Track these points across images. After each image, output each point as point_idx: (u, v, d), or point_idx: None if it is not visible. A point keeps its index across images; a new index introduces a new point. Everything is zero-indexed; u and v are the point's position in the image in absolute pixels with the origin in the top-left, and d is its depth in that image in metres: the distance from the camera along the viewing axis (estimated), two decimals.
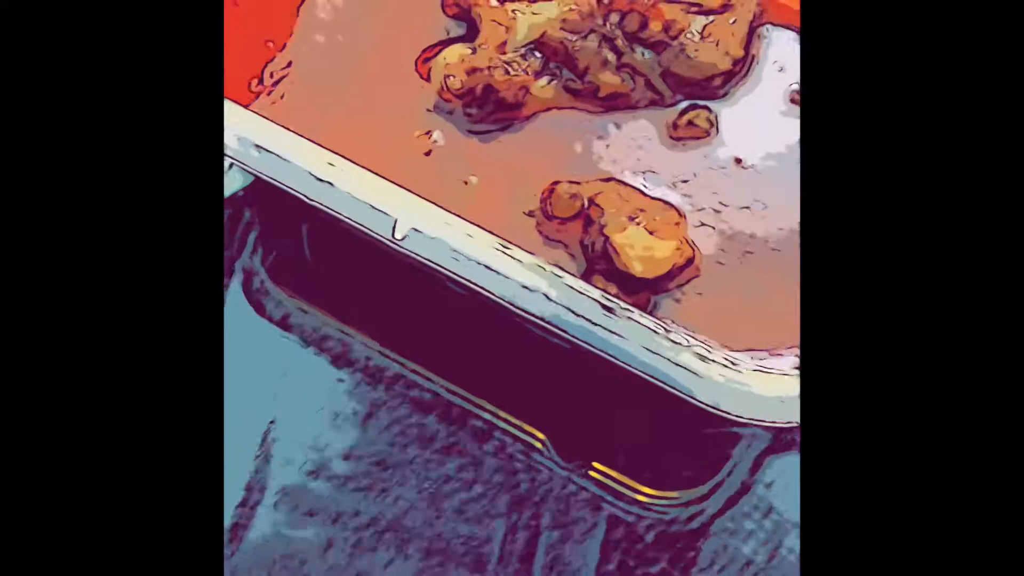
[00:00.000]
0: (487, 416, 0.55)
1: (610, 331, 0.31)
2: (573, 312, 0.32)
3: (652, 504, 0.54)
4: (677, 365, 0.31)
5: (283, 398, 0.56)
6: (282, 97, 0.37)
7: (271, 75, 0.37)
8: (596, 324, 0.31)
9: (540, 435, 0.55)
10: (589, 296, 0.32)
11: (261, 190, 0.57)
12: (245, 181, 0.58)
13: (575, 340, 0.32)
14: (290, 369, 0.56)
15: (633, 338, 0.31)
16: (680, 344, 0.30)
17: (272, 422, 0.55)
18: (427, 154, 0.36)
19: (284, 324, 0.56)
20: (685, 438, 0.54)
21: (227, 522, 0.53)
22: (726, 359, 0.31)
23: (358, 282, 0.57)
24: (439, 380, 0.55)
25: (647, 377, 0.31)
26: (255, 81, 0.37)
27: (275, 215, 0.57)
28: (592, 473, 0.54)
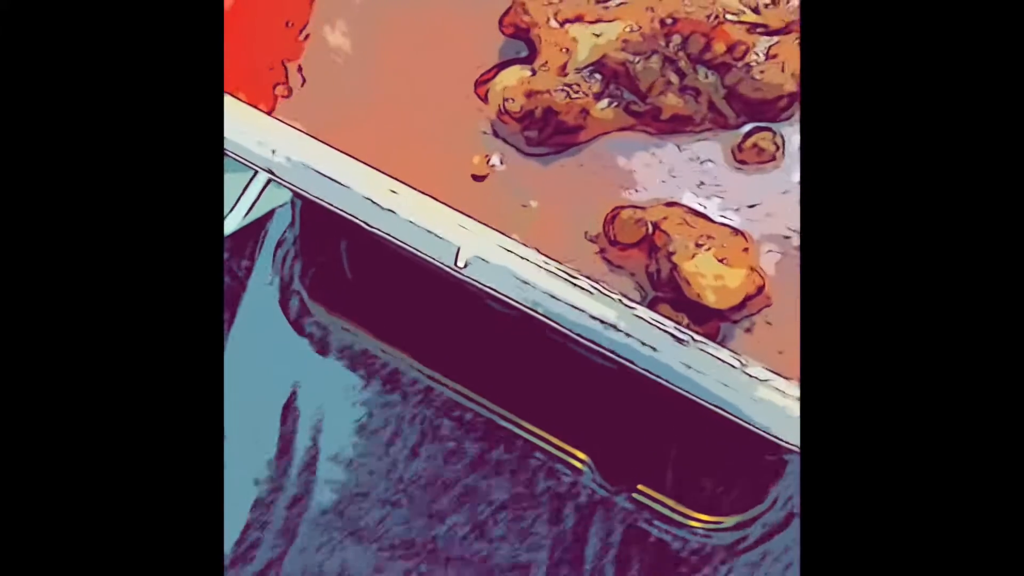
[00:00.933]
0: (530, 438, 0.54)
1: (682, 363, 0.30)
2: (643, 343, 0.31)
3: (698, 529, 0.53)
4: (756, 400, 0.30)
5: (322, 415, 0.55)
6: (339, 120, 0.36)
7: (326, 94, 0.37)
8: (667, 356, 0.30)
9: (583, 456, 0.54)
10: (661, 327, 0.31)
11: (303, 208, 0.56)
12: (285, 198, 0.57)
13: (648, 374, 0.31)
14: (329, 387, 0.55)
15: (708, 372, 0.30)
16: (757, 379, 0.29)
17: (313, 436, 0.54)
18: (484, 178, 0.35)
19: (324, 342, 0.56)
20: (733, 463, 0.53)
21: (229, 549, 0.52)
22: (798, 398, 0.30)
23: (399, 300, 0.57)
24: (485, 402, 0.54)
25: (722, 412, 0.30)
26: (308, 101, 0.37)
27: (315, 232, 0.56)
28: (636, 496, 0.53)
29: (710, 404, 0.30)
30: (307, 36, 0.38)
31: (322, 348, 0.57)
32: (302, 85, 0.37)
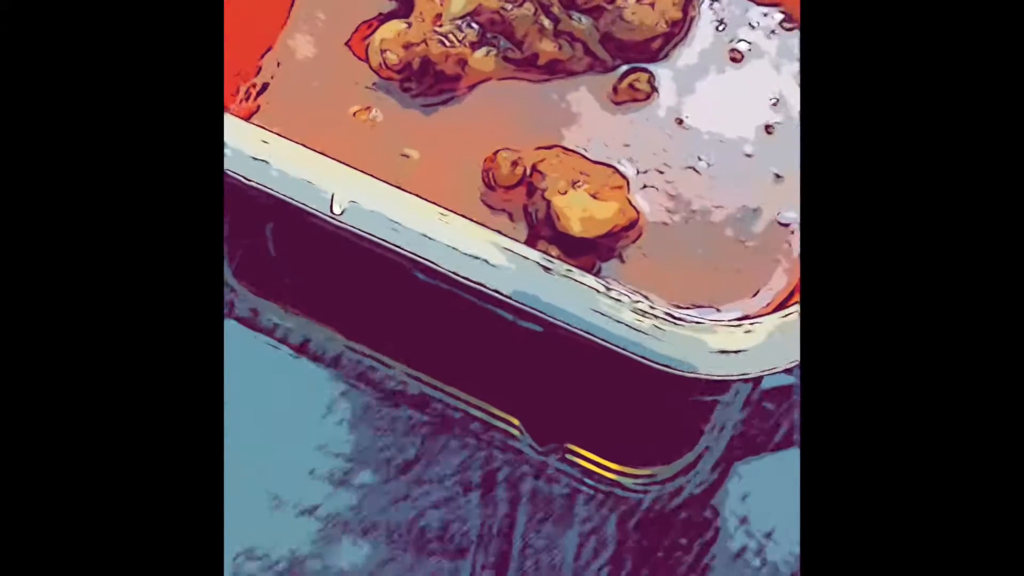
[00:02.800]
0: (460, 404, 0.54)
1: (551, 292, 0.31)
2: (516, 276, 0.31)
3: (633, 484, 0.54)
4: (621, 323, 0.30)
5: (251, 396, 0.55)
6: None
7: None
8: (536, 286, 0.31)
9: (515, 420, 0.54)
10: (528, 258, 0.31)
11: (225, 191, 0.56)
12: None
13: (517, 304, 0.31)
14: (255, 366, 0.55)
15: (575, 298, 0.30)
16: (621, 301, 0.30)
17: (244, 417, 0.54)
18: (368, 131, 0.36)
19: (251, 322, 0.56)
20: (657, 412, 0.53)
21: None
22: (669, 315, 0.30)
23: (323, 276, 0.57)
24: (409, 370, 0.54)
25: (593, 339, 0.31)
26: None
27: (239, 213, 0.57)
28: (568, 456, 0.54)
29: (578, 330, 0.30)
30: None
31: (250, 328, 0.57)
32: None
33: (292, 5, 0.38)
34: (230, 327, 0.57)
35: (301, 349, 0.56)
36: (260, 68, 0.37)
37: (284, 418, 0.55)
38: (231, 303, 0.57)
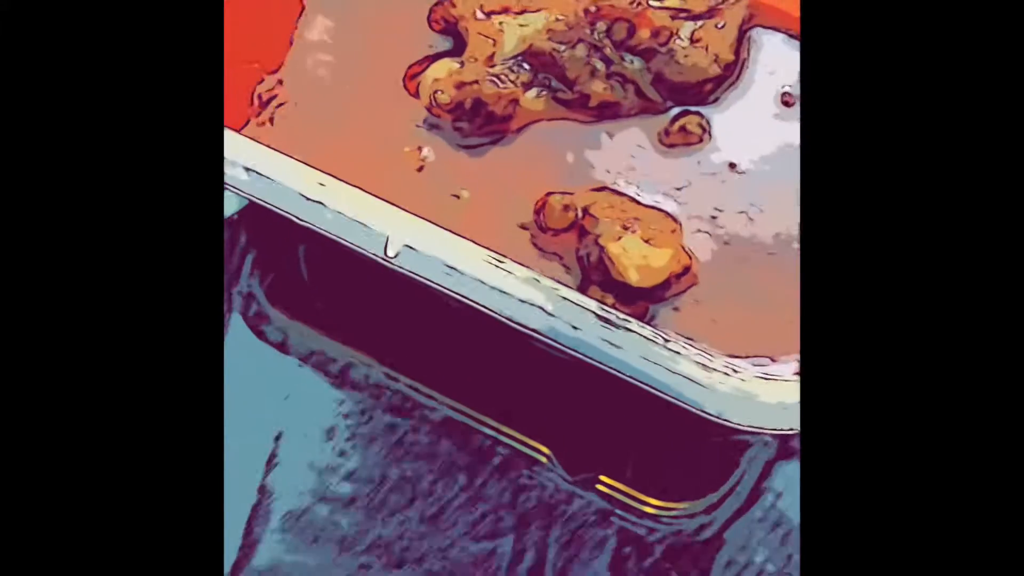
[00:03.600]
0: (491, 432, 0.54)
1: (608, 342, 0.31)
2: (571, 324, 0.31)
3: (660, 516, 0.54)
4: (676, 374, 0.30)
5: (285, 421, 0.55)
6: (271, 120, 0.36)
7: (260, 97, 0.37)
8: (593, 335, 0.31)
9: (545, 450, 0.54)
10: (586, 308, 0.31)
11: (256, 213, 0.57)
12: (240, 204, 0.58)
13: (574, 353, 0.31)
14: (292, 392, 0.55)
15: (631, 349, 0.30)
16: (679, 353, 0.30)
17: (277, 440, 0.54)
18: (419, 170, 0.36)
19: (283, 347, 0.56)
20: (691, 448, 0.53)
21: (228, 552, 0.53)
22: (727, 366, 0.30)
23: (357, 302, 0.57)
24: (442, 398, 0.54)
25: (648, 388, 0.30)
26: (246, 104, 0.37)
27: (271, 238, 0.57)
28: (599, 487, 0.54)
29: (634, 380, 0.30)
30: (238, 38, 0.38)
31: (282, 352, 0.57)
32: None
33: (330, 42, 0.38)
34: (261, 350, 0.57)
35: (332, 373, 0.56)
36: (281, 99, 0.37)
37: (308, 443, 0.55)
38: (260, 328, 0.57)
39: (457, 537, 0.54)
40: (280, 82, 0.37)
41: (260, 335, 0.57)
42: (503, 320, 0.32)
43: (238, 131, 0.36)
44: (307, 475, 0.54)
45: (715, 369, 0.30)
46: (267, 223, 0.57)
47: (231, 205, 0.58)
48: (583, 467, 0.54)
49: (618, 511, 0.53)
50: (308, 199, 0.33)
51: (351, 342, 0.55)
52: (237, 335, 0.57)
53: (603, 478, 0.54)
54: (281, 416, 0.56)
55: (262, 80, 0.37)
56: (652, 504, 0.54)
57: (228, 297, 0.59)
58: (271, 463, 0.55)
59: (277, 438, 0.55)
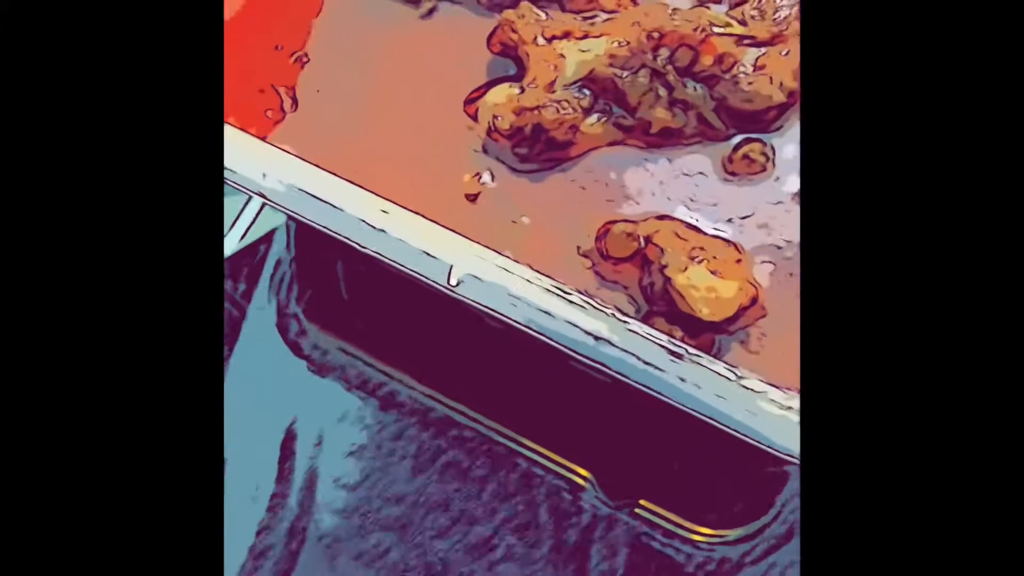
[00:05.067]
0: (531, 455, 0.54)
1: (679, 377, 0.30)
2: (639, 358, 0.31)
3: (701, 542, 0.53)
4: (751, 412, 0.29)
5: (321, 437, 0.55)
6: (331, 142, 0.36)
7: (318, 117, 0.37)
8: (664, 370, 0.30)
9: (585, 473, 0.54)
10: (655, 341, 0.31)
11: (298, 230, 0.56)
12: (280, 221, 0.57)
13: (643, 388, 0.31)
14: (328, 409, 0.55)
15: (704, 385, 0.30)
16: (754, 391, 0.29)
17: (313, 459, 0.54)
18: (477, 196, 0.35)
19: (322, 363, 0.55)
20: (735, 476, 0.53)
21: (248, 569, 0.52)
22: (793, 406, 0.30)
23: (396, 320, 0.57)
24: (482, 419, 0.54)
25: (721, 427, 0.30)
26: (300, 124, 0.37)
27: (310, 255, 0.56)
28: (639, 511, 0.53)
29: (707, 417, 0.30)
30: (297, 59, 0.38)
31: (320, 369, 0.57)
32: (293, 109, 0.37)
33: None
34: (295, 365, 0.56)
35: (369, 390, 0.55)
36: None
37: (342, 461, 0.55)
38: (298, 343, 0.57)
39: (495, 561, 0.53)
40: (339, 106, 0.37)
41: (297, 351, 0.56)
42: (570, 352, 0.32)
43: (289, 152, 0.35)
44: (341, 494, 0.54)
45: (788, 407, 0.29)
46: (307, 239, 0.56)
47: (272, 221, 0.58)
48: (623, 492, 0.53)
49: (658, 536, 0.53)
50: (371, 226, 0.33)
51: (390, 360, 0.55)
52: (272, 349, 0.57)
53: (643, 502, 0.53)
54: (317, 431, 0.55)
55: (315, 98, 0.37)
56: (693, 530, 0.53)
57: (254, 309, 0.59)
58: (307, 478, 0.54)
59: (312, 455, 0.54)
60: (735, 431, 0.30)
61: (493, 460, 0.56)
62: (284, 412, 0.58)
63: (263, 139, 0.36)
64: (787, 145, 0.36)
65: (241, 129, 0.36)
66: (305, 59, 0.38)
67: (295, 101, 0.37)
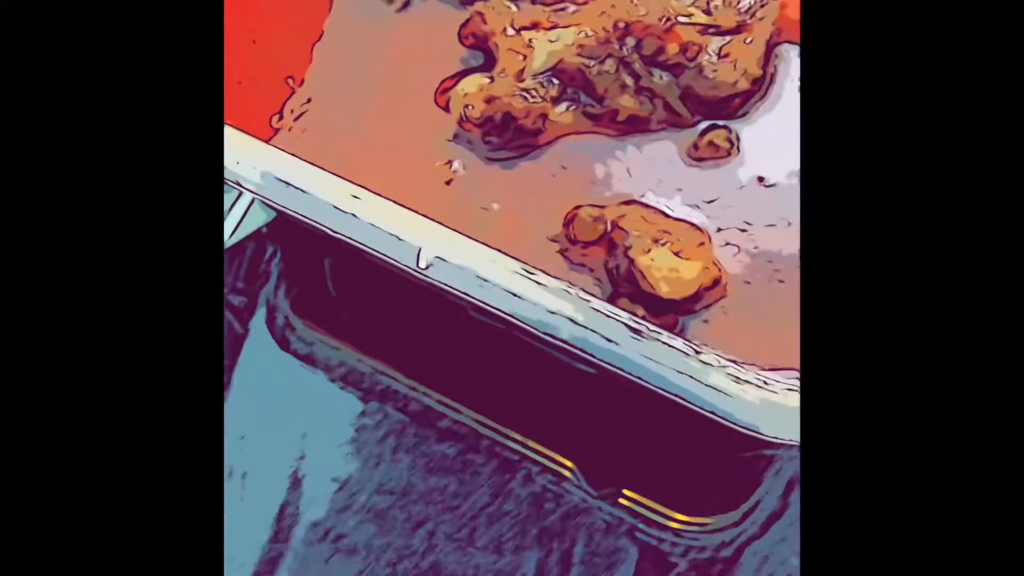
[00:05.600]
0: (515, 446, 0.54)
1: (639, 354, 0.31)
2: (601, 335, 0.32)
3: (684, 530, 0.54)
4: (708, 386, 0.30)
5: (309, 433, 0.56)
6: (304, 132, 0.37)
7: (292, 111, 0.38)
8: (625, 347, 0.31)
9: (569, 464, 0.54)
10: (617, 319, 0.31)
11: (285, 226, 0.57)
12: (268, 217, 0.58)
13: (604, 364, 0.31)
14: (316, 404, 0.56)
15: (663, 360, 0.31)
16: (711, 365, 0.30)
17: (300, 457, 0.55)
18: (448, 183, 0.36)
19: (309, 359, 0.56)
20: (716, 463, 0.53)
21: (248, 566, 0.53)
22: (759, 378, 0.30)
23: (382, 314, 0.57)
24: (466, 411, 0.54)
25: (679, 400, 0.31)
26: (276, 117, 0.38)
27: (298, 250, 0.57)
28: (622, 500, 0.54)
29: (665, 391, 0.30)
30: (274, 52, 0.39)
31: (307, 363, 0.58)
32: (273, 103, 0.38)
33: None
34: (285, 361, 0.57)
35: (357, 385, 0.56)
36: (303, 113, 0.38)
37: (331, 456, 0.56)
38: (286, 339, 0.58)
39: (480, 551, 0.54)
40: (311, 99, 0.38)
41: (285, 346, 0.57)
42: (534, 331, 0.32)
43: (269, 142, 0.36)
44: (330, 487, 0.54)
45: (746, 381, 0.30)
46: (294, 235, 0.57)
47: (261, 217, 0.59)
48: (607, 481, 0.54)
49: (641, 525, 0.53)
50: (341, 211, 0.34)
51: (376, 354, 0.56)
52: (262, 346, 0.57)
53: (627, 492, 0.54)
54: (305, 427, 0.56)
55: (293, 94, 0.38)
56: (676, 518, 0.54)
57: (252, 306, 0.59)
58: (295, 475, 0.55)
59: (300, 453, 0.55)
60: (695, 406, 0.31)
61: (477, 451, 0.57)
62: (274, 408, 0.58)
63: (242, 130, 0.37)
64: (751, 131, 0.37)
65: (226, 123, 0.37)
66: (283, 53, 0.39)
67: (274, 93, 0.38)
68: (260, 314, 0.58)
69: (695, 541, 0.53)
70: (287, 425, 0.56)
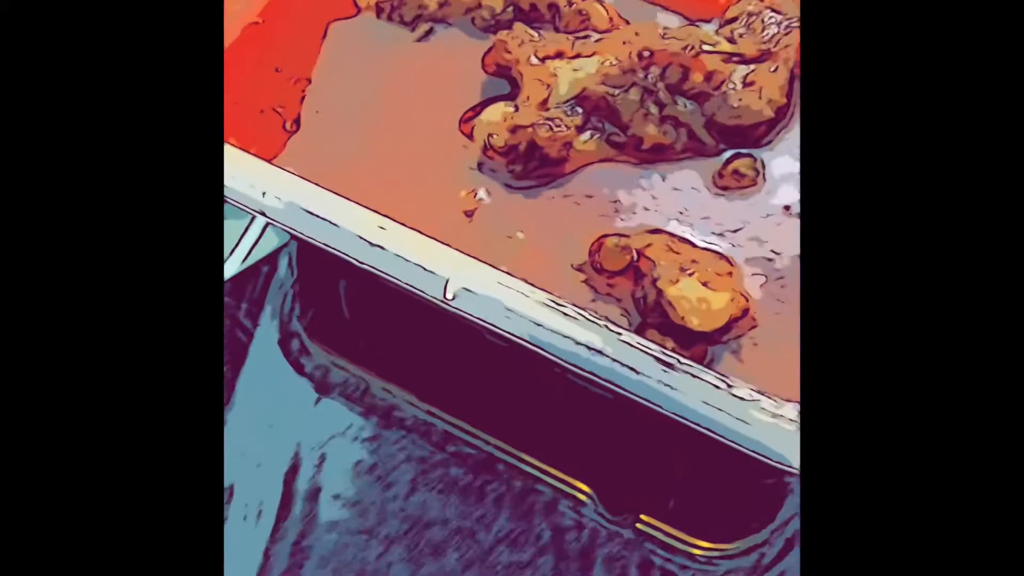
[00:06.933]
0: (532, 471, 0.54)
1: (671, 387, 0.31)
2: (631, 368, 0.31)
3: (702, 556, 0.53)
4: (741, 420, 0.30)
5: (324, 455, 0.55)
6: (328, 160, 0.37)
7: (317, 140, 0.38)
8: (654, 379, 0.31)
9: (586, 489, 0.54)
10: (647, 351, 0.31)
11: (300, 249, 0.57)
12: (282, 241, 0.58)
13: (635, 397, 0.31)
14: (330, 428, 0.55)
15: (695, 394, 0.30)
16: (745, 400, 0.30)
17: (314, 478, 0.54)
18: (472, 212, 0.36)
19: (323, 382, 0.56)
20: (735, 489, 0.53)
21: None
22: (795, 411, 0.30)
23: (398, 338, 0.57)
24: (483, 435, 0.54)
25: (713, 435, 0.30)
26: (301, 145, 0.38)
27: (313, 273, 0.57)
28: (639, 526, 0.53)
29: (698, 425, 0.30)
30: (297, 81, 0.39)
31: (322, 388, 0.57)
32: (295, 130, 0.38)
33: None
34: (299, 384, 0.57)
35: (370, 407, 0.56)
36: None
37: (346, 478, 0.55)
38: (300, 363, 0.58)
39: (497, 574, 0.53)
40: (335, 126, 0.38)
41: (299, 369, 0.57)
42: (563, 364, 0.32)
43: (291, 171, 0.36)
44: (344, 512, 0.54)
45: (780, 415, 0.30)
46: (309, 258, 0.57)
47: (274, 241, 0.58)
48: (624, 506, 0.53)
49: (659, 551, 0.53)
50: (368, 242, 0.33)
51: (391, 377, 0.55)
52: (276, 368, 0.57)
53: (644, 517, 0.53)
54: (319, 449, 0.55)
55: (318, 122, 0.38)
56: (694, 544, 0.53)
57: (256, 327, 0.59)
58: (309, 495, 0.54)
59: (314, 473, 0.55)
60: (727, 439, 0.30)
61: (494, 476, 0.56)
62: (287, 431, 0.58)
63: (266, 160, 0.37)
64: (776, 159, 0.36)
65: (242, 149, 0.37)
66: (306, 82, 0.39)
67: (296, 122, 0.38)
68: (271, 335, 0.58)
69: (713, 567, 0.53)
70: (293, 443, 0.56)
